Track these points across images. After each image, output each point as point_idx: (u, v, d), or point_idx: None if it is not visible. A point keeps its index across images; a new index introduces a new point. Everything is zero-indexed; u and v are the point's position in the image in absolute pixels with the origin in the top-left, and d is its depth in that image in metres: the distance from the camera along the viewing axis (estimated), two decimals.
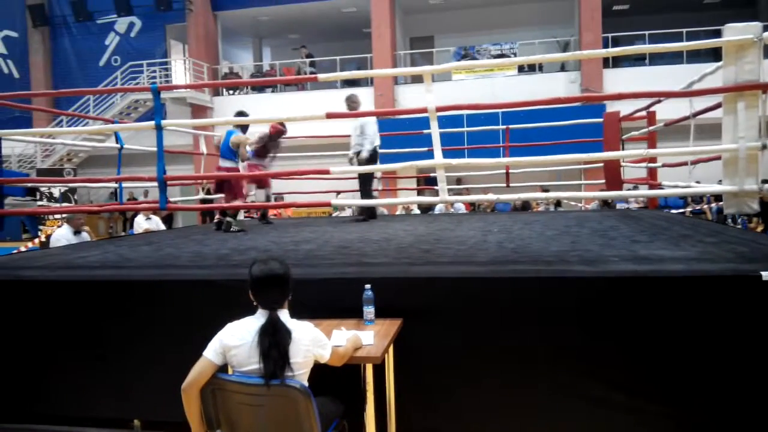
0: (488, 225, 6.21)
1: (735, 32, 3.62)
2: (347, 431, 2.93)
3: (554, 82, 15.65)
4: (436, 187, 4.32)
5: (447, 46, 18.23)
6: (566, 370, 3.20)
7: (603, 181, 7.77)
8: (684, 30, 14.60)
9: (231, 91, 18.62)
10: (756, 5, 17.03)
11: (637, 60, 16.49)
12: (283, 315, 2.56)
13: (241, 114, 6.73)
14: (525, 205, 11.44)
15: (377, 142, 7.13)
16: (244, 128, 6.75)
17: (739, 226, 8.46)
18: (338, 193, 9.82)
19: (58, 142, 10.85)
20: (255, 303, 2.57)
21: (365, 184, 7.23)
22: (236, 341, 2.50)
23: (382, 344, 2.89)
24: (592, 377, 3.16)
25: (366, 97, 16.27)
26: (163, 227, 9.39)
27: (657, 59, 15.87)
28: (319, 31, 19.56)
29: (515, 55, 17.31)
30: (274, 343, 2.44)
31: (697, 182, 5.37)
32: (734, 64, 3.63)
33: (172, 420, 3.10)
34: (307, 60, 18.02)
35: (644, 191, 7.27)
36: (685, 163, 5.83)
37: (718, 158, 3.92)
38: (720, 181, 3.81)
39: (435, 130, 4.19)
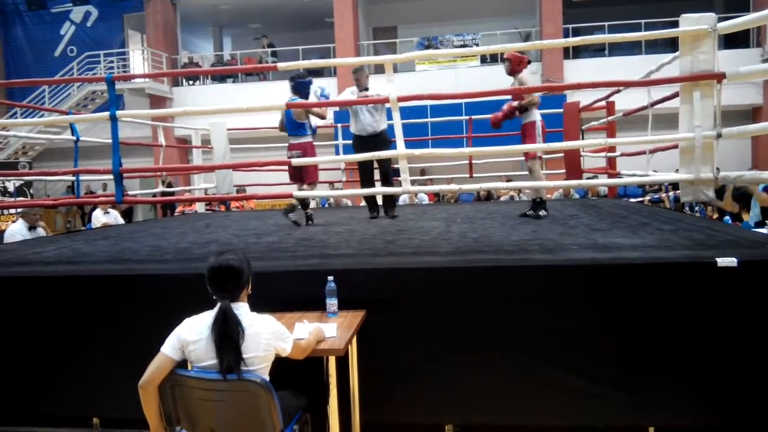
0: (451, 215, 6.24)
1: (690, 23, 3.67)
2: (310, 424, 2.90)
3: None
4: (399, 178, 4.31)
5: (410, 37, 18.19)
6: (529, 357, 3.23)
7: (564, 170, 7.86)
8: (642, 21, 14.83)
9: (191, 81, 18.30)
10: None
11: (597, 51, 16.69)
12: (242, 308, 2.53)
13: (298, 81, 5.71)
14: (488, 195, 11.52)
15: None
16: (304, 95, 5.69)
17: (698, 214, 8.63)
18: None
19: (12, 134, 10.55)
20: (213, 296, 2.53)
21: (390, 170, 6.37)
22: (194, 336, 2.45)
23: (345, 336, 2.87)
24: (555, 365, 3.20)
25: (330, 88, 16.14)
26: (121, 221, 9.20)
27: (616, 50, 16.10)
28: (280, 21, 19.32)
29: (477, 45, 17.35)
30: (224, 334, 2.40)
31: (655, 171, 5.47)
32: (690, 54, 3.69)
33: (131, 417, 3.04)
34: (269, 49, 17.81)
35: (604, 180, 7.37)
36: (643, 152, 5.93)
37: (675, 147, 3.98)
38: (677, 169, 3.87)
39: (397, 121, 4.18)
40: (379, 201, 6.57)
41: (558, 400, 3.20)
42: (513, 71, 5.49)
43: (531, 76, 5.66)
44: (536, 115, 5.52)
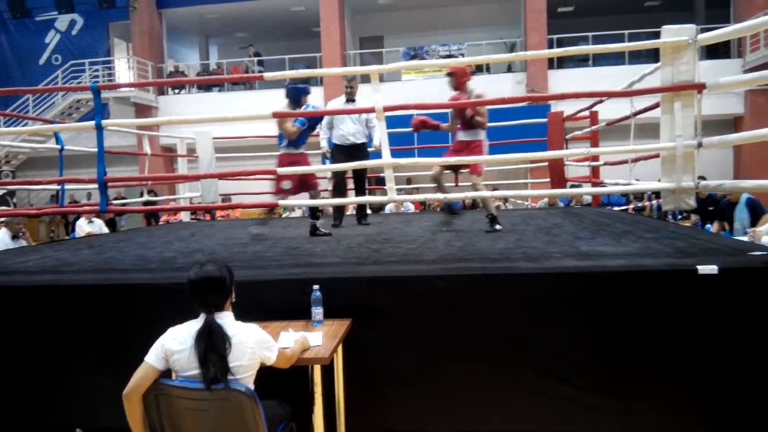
0: (437, 224, 6.26)
1: (671, 34, 3.73)
2: None
3: (501, 82, 15.87)
4: (385, 187, 4.32)
5: (396, 47, 18.29)
6: (514, 365, 3.24)
7: (548, 179, 7.91)
8: (626, 32, 15.01)
9: (176, 90, 18.27)
10: (693, 8, 17.62)
11: (581, 61, 16.87)
12: (227, 317, 2.53)
13: (294, 91, 5.38)
14: (474, 204, 11.55)
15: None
16: (296, 103, 5.34)
17: (690, 225, 8.72)
18: None
19: None
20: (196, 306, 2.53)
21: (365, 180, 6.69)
22: (178, 346, 2.44)
23: (331, 345, 2.87)
24: (540, 372, 3.21)
25: (317, 97, 16.16)
26: (106, 230, 9.15)
27: (600, 60, 16.27)
28: (267, 30, 19.37)
29: (463, 55, 17.47)
30: (210, 347, 2.40)
31: (637, 180, 5.52)
32: (671, 65, 3.74)
33: (115, 427, 3.02)
34: (255, 59, 17.82)
35: (587, 189, 7.43)
36: (626, 162, 5.99)
37: (657, 156, 4.03)
38: (660, 178, 3.92)
39: (383, 130, 4.20)
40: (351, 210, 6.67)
41: (543, 407, 3.21)
42: (459, 84, 5.26)
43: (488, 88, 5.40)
44: (483, 135, 5.34)
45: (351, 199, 5.56)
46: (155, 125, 11.37)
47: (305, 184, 5.33)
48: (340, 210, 6.65)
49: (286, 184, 5.20)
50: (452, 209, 5.81)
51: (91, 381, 3.51)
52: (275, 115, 4.31)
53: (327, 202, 5.78)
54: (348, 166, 5.05)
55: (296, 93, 5.32)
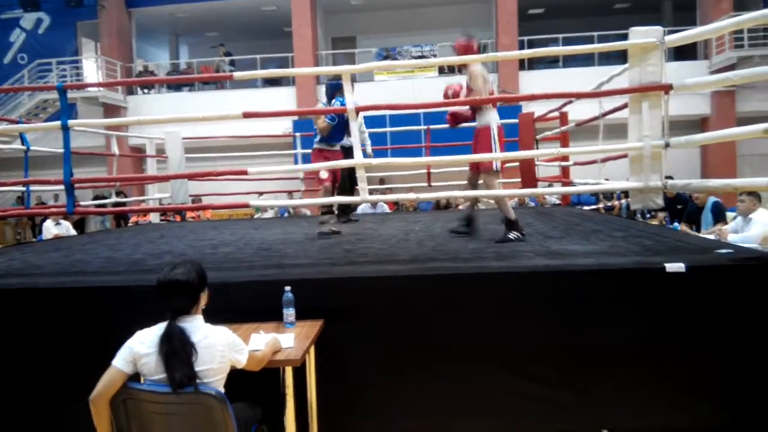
0: (410, 224, 6.28)
1: (639, 36, 3.79)
2: None
3: None
4: (358, 187, 4.32)
5: (369, 47, 18.28)
6: (486, 364, 3.26)
7: (519, 179, 7.97)
8: (595, 33, 15.19)
9: (146, 90, 18.02)
10: (660, 10, 17.90)
11: (552, 62, 17.03)
12: (196, 321, 2.49)
13: (330, 87, 5.60)
14: (447, 204, 11.60)
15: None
16: (331, 99, 5.57)
17: (658, 223, 8.82)
18: (260, 194, 9.67)
19: None
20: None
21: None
22: (145, 349, 2.40)
23: (302, 346, 2.85)
24: (511, 371, 3.24)
25: (289, 97, 16.14)
26: (73, 232, 8.99)
27: (570, 62, 16.46)
28: (238, 30, 19.21)
29: (435, 56, 17.52)
30: (170, 352, 2.36)
31: (607, 179, 5.59)
32: (639, 66, 3.80)
33: None
34: (226, 58, 17.67)
35: (557, 188, 7.50)
36: (595, 162, 6.06)
37: (626, 156, 4.09)
38: (628, 178, 3.97)
39: (355, 130, 4.20)
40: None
41: (515, 405, 3.23)
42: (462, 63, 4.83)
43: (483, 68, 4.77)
44: (491, 118, 4.63)
45: (323, 200, 5.53)
46: (124, 125, 11.22)
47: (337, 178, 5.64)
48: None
49: (324, 174, 5.42)
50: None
51: (57, 386, 3.44)
52: (245, 115, 4.27)
53: (299, 202, 5.75)
54: (320, 166, 5.03)
55: (331, 89, 5.56)
